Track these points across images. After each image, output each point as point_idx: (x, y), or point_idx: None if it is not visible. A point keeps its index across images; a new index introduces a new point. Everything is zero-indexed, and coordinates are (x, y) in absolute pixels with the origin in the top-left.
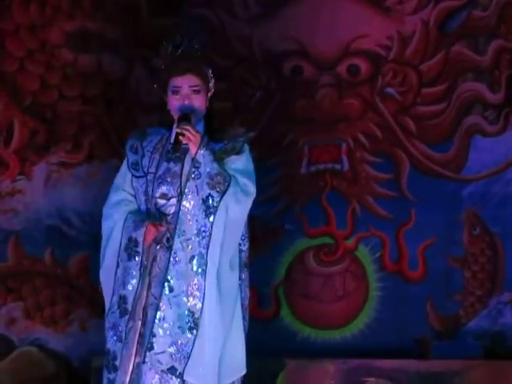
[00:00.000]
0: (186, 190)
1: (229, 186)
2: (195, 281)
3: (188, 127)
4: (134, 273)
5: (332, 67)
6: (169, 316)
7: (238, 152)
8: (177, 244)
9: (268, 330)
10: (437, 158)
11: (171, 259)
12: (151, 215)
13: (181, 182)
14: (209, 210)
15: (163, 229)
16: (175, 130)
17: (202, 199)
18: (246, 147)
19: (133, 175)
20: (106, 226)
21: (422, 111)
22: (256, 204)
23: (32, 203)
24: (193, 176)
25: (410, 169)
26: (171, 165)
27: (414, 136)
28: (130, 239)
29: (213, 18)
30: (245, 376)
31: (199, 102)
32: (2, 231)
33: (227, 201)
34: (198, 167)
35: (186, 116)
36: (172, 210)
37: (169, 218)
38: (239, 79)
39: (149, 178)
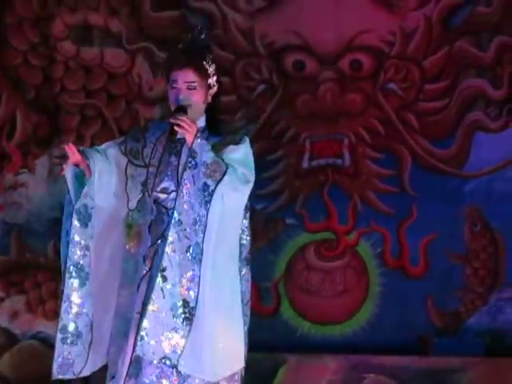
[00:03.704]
0: (183, 181)
1: (225, 174)
2: (190, 270)
3: (183, 118)
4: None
5: (334, 62)
6: (162, 306)
7: (237, 143)
8: (173, 234)
9: (268, 325)
10: (439, 153)
11: (167, 249)
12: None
13: (177, 173)
14: (205, 199)
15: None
16: (170, 120)
17: (198, 188)
18: (246, 139)
19: (130, 161)
20: None
21: (425, 107)
22: (257, 198)
23: (34, 196)
24: (189, 166)
25: (412, 164)
26: (172, 159)
27: (416, 132)
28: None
29: (215, 11)
30: (245, 370)
31: (196, 98)
32: (5, 224)
33: (223, 189)
34: (194, 157)
35: (182, 107)
36: (173, 204)
37: (170, 212)
38: (241, 73)
39: (150, 170)
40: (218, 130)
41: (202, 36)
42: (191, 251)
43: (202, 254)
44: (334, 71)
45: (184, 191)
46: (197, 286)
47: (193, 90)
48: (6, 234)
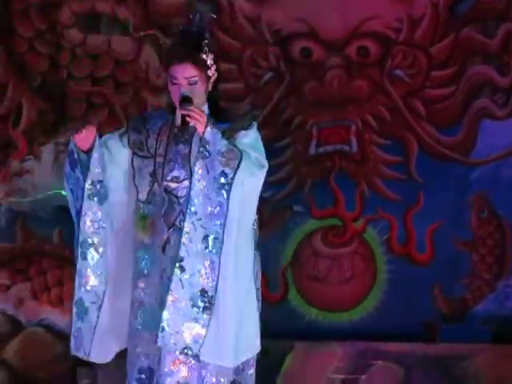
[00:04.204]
0: (196, 170)
1: (241, 160)
2: (208, 259)
3: (192, 108)
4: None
5: (341, 49)
6: (181, 296)
7: (246, 128)
8: (188, 225)
9: (276, 312)
10: (445, 140)
11: (183, 240)
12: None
13: (189, 162)
14: (223, 188)
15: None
16: (180, 112)
17: (214, 177)
18: (254, 124)
19: (135, 154)
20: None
21: (431, 94)
22: (264, 185)
23: (40, 184)
24: (202, 155)
25: (419, 151)
26: (180, 147)
27: (423, 119)
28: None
29: None
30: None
31: (198, 91)
32: (11, 212)
33: (241, 175)
34: (206, 146)
35: (187, 98)
36: (184, 192)
37: (181, 200)
38: (248, 60)
39: (158, 160)
40: (223, 116)
41: (200, 20)
42: (210, 241)
43: (222, 242)
44: (340, 58)
45: (197, 181)
46: (216, 275)
47: (194, 85)
48: (12, 220)
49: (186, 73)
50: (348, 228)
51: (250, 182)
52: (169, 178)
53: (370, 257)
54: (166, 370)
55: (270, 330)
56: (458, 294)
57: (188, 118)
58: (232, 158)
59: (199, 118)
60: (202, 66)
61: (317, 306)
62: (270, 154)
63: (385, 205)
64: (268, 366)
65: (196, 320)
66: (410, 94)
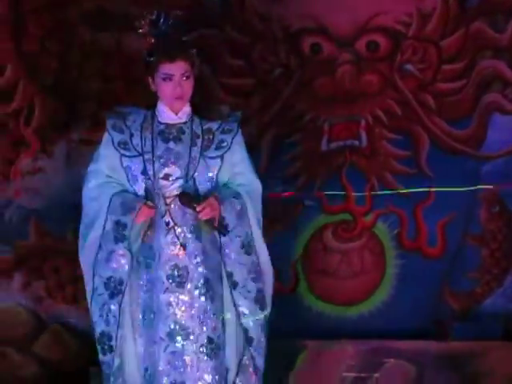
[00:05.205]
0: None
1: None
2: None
3: (203, 205)
4: (124, 255)
5: (351, 44)
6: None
7: (235, 135)
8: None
9: (286, 306)
10: (456, 134)
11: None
12: (139, 196)
13: (188, 160)
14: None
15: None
16: (202, 218)
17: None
18: (240, 133)
19: (122, 155)
20: (91, 207)
21: (442, 88)
22: (276, 181)
23: (53, 181)
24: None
25: (429, 145)
26: (171, 144)
27: (434, 112)
28: (117, 223)
29: None
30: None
31: (189, 88)
32: (24, 210)
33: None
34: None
35: (188, 196)
36: (174, 192)
37: (169, 200)
38: (258, 56)
39: (146, 157)
40: (205, 114)
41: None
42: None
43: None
44: (350, 53)
45: None
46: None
47: (188, 80)
48: (25, 218)
49: (181, 69)
50: (358, 222)
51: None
52: (161, 175)
53: (379, 251)
54: (161, 369)
55: (279, 324)
56: (468, 289)
57: (205, 217)
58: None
59: (215, 213)
60: (193, 62)
61: (326, 300)
62: (281, 149)
63: (395, 199)
64: (280, 365)
65: None
66: (421, 88)
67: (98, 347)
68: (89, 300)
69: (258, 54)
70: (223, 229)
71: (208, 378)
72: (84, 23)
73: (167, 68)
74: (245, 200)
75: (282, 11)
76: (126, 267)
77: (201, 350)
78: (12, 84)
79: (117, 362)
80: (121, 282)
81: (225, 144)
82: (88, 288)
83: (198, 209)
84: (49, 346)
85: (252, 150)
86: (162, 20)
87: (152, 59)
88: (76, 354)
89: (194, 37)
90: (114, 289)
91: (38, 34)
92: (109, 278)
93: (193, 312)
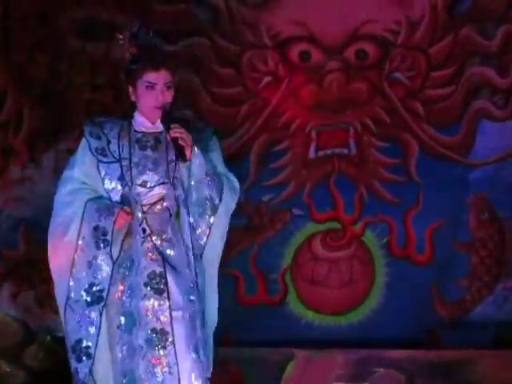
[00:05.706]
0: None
1: (224, 185)
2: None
3: (181, 130)
4: (105, 261)
5: (340, 52)
6: None
7: (210, 139)
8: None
9: (275, 315)
10: (445, 140)
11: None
12: (114, 202)
13: (166, 167)
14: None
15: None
16: (171, 134)
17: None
18: (216, 139)
19: (99, 161)
20: (64, 212)
21: (431, 94)
22: (264, 189)
23: (41, 191)
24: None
25: (418, 152)
26: (148, 152)
27: (422, 119)
28: (96, 228)
29: (221, 3)
30: (255, 365)
31: (170, 98)
32: (13, 219)
33: (226, 199)
34: (191, 169)
35: (173, 118)
36: (152, 199)
37: (145, 208)
38: (247, 65)
39: (123, 163)
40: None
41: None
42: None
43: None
44: (339, 61)
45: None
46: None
47: (169, 90)
48: (14, 228)
49: (165, 78)
50: (347, 231)
51: (231, 205)
52: (139, 181)
53: (368, 260)
54: (139, 376)
55: (268, 333)
56: (457, 296)
57: (180, 141)
58: (215, 181)
59: (189, 143)
60: (173, 72)
61: (315, 309)
62: (270, 157)
63: (384, 207)
64: (269, 373)
65: None
66: (409, 96)
67: (72, 355)
68: (62, 306)
69: (246, 63)
70: (183, 156)
71: None
72: (72, 33)
73: (151, 76)
74: (224, 184)
75: (271, 19)
76: (108, 274)
77: (180, 356)
78: (0, 94)
79: (93, 368)
80: (102, 290)
81: (200, 146)
82: (60, 293)
83: (172, 126)
84: (38, 356)
85: (240, 157)
86: (142, 33)
87: (135, 67)
88: (65, 364)
89: (183, 45)
90: (94, 296)
91: (27, 44)
92: (90, 285)
93: (172, 319)
